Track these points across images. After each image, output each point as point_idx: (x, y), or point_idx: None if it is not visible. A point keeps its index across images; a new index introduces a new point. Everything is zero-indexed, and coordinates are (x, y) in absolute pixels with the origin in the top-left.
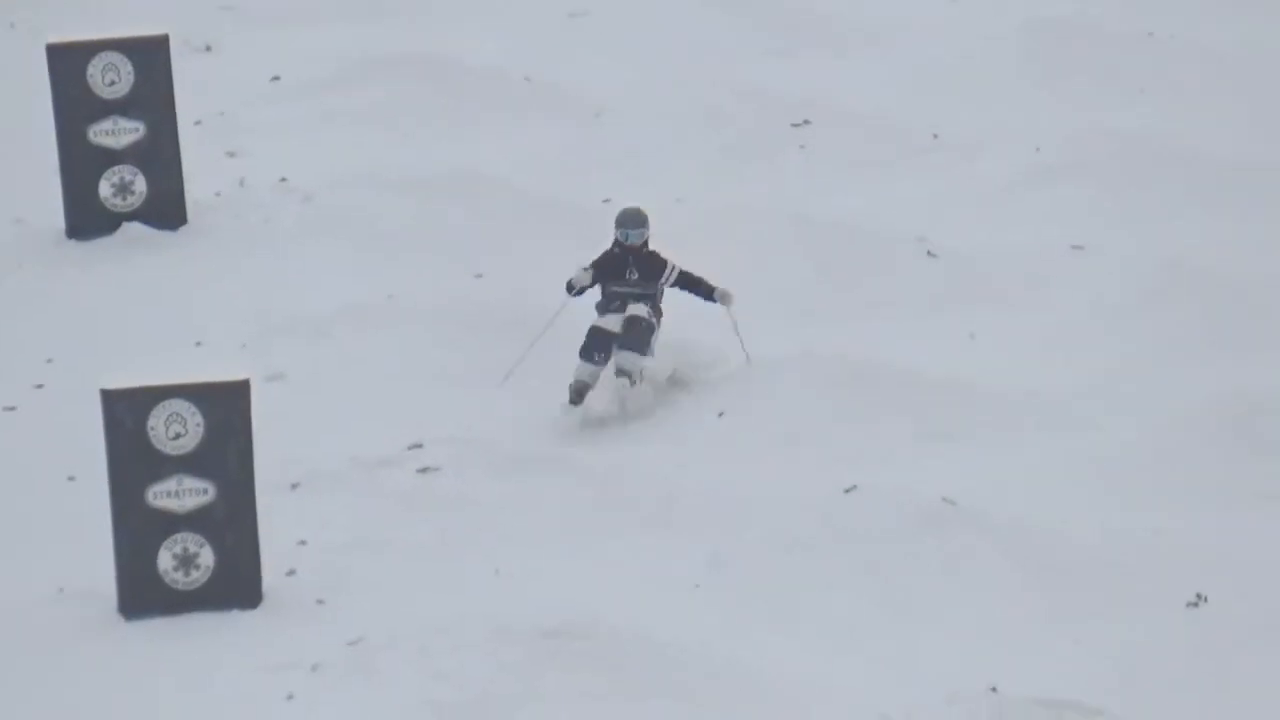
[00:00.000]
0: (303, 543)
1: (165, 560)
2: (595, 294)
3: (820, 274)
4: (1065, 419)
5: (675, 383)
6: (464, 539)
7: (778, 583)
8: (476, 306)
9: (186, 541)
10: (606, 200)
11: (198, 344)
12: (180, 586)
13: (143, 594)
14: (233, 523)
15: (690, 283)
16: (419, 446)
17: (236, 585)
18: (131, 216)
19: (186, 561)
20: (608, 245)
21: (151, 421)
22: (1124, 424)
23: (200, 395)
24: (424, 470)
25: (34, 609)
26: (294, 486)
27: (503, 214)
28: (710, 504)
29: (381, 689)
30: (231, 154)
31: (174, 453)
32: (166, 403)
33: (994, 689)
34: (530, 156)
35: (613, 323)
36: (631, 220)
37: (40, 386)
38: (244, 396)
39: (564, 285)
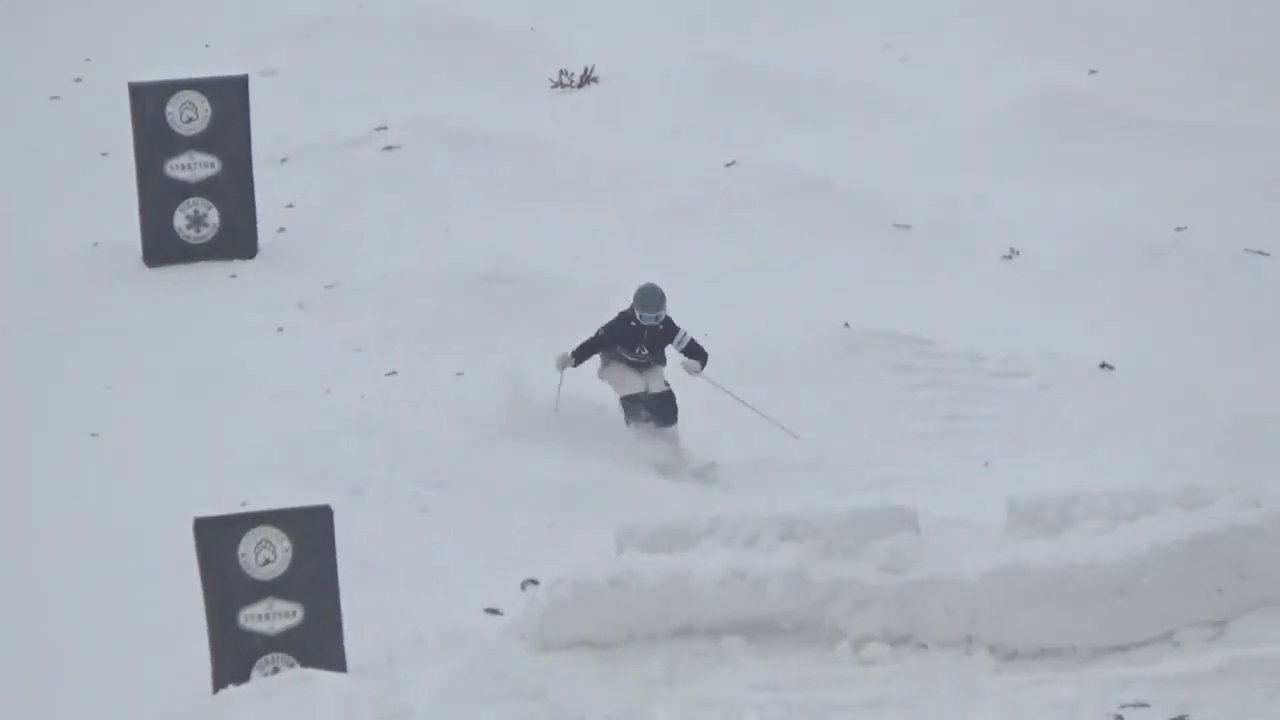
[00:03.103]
0: (290, 206)
1: (180, 220)
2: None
3: None
4: (907, 107)
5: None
6: (420, 203)
7: (672, 238)
8: (432, 14)
9: (197, 204)
10: None
11: (206, 46)
12: (192, 241)
13: (162, 247)
14: (234, 189)
15: (692, 351)
16: (384, 128)
17: (237, 240)
18: None
19: (197, 221)
20: (622, 313)
21: (169, 108)
22: (954, 112)
23: (208, 87)
24: (389, 148)
25: (75, 258)
26: (283, 161)
27: None
28: (617, 176)
29: (351, 321)
30: None
31: (187, 133)
32: (181, 93)
33: (846, 324)
34: None
35: (635, 382)
36: (651, 303)
37: (79, 80)
38: (243, 88)
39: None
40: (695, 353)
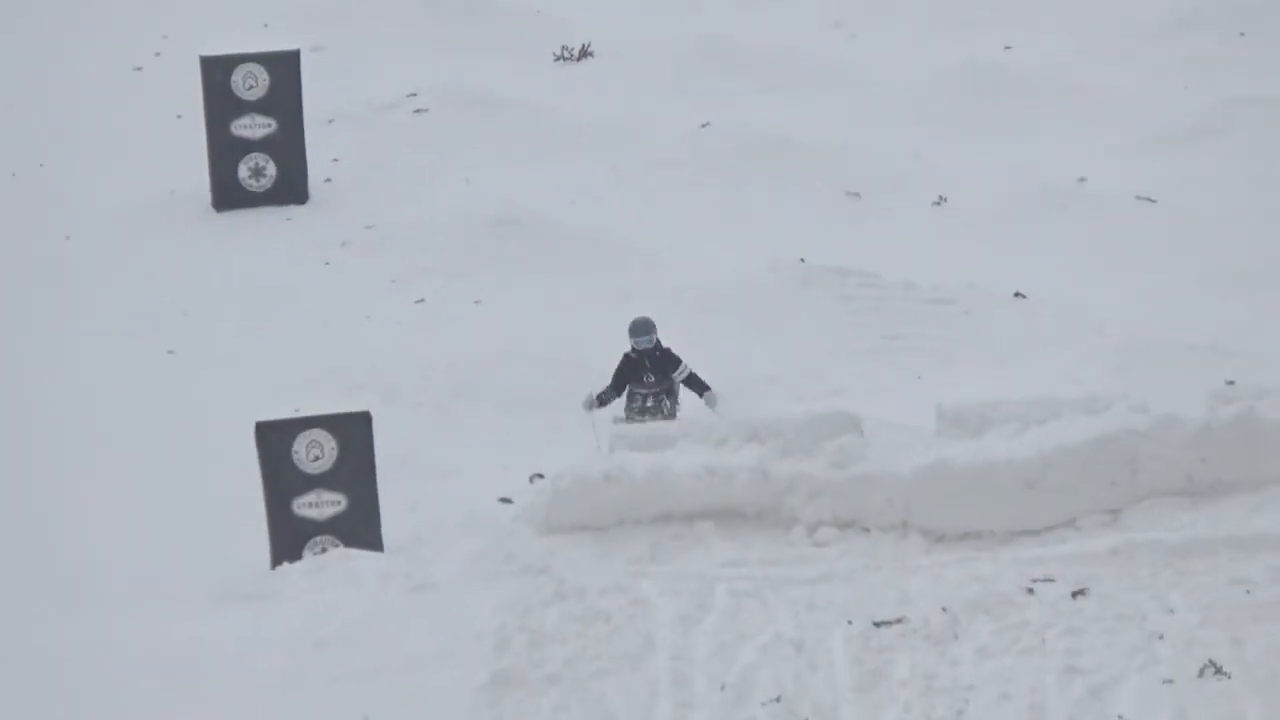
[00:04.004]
0: (336, 160)
1: (243, 171)
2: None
3: None
4: (854, 77)
5: None
6: (445, 158)
7: (657, 189)
8: None
9: (257, 159)
10: None
11: (265, 25)
12: (253, 189)
13: (227, 194)
14: (289, 146)
15: (694, 382)
16: (414, 95)
17: (291, 188)
18: None
19: (257, 172)
20: (624, 354)
21: (234, 77)
22: (893, 81)
23: (266, 60)
24: (418, 111)
25: (155, 203)
26: (330, 122)
27: None
28: (608, 136)
29: (387, 256)
30: None
31: (249, 99)
32: (244, 65)
33: (802, 260)
34: None
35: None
36: (640, 329)
37: (158, 54)
38: (296, 61)
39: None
40: (696, 383)
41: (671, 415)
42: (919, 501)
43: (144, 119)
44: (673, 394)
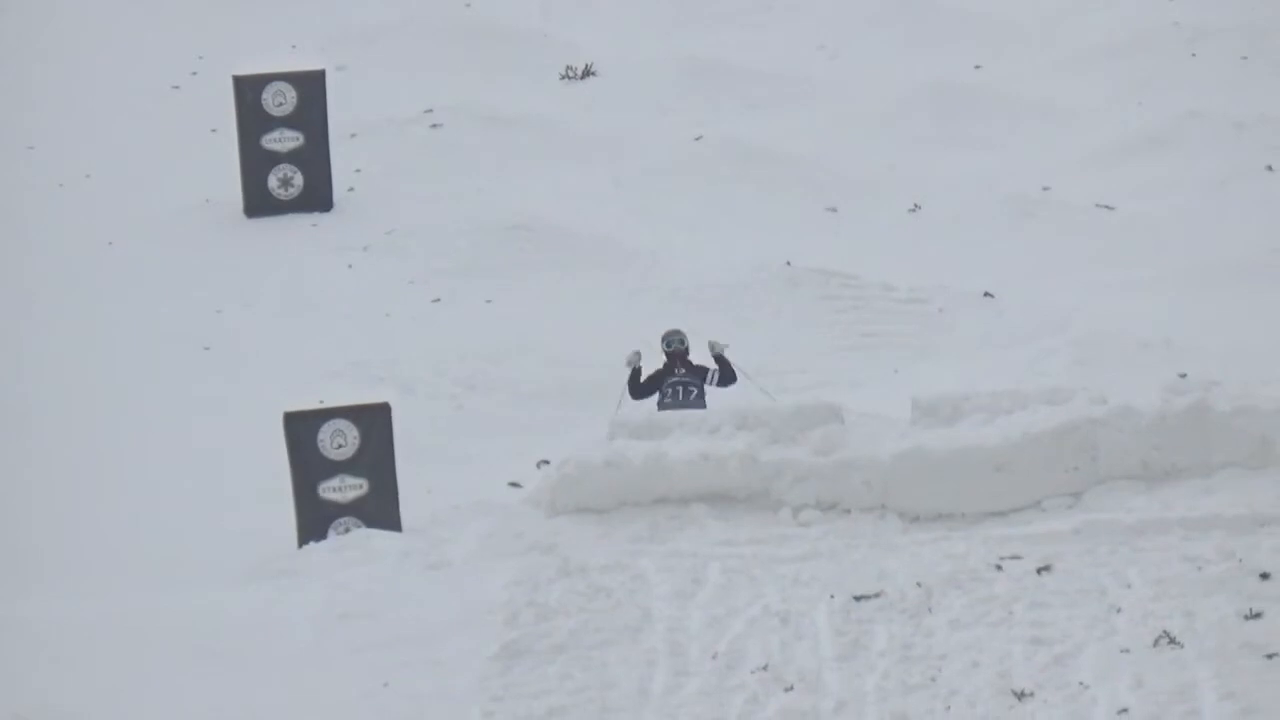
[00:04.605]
0: (358, 170)
1: (272, 181)
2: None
3: None
4: (836, 94)
5: None
6: (458, 169)
7: (655, 195)
8: (467, 20)
9: (286, 170)
10: None
11: (293, 47)
12: (282, 198)
13: (258, 202)
14: (315, 158)
15: (722, 377)
16: (430, 111)
17: (317, 197)
18: None
19: (285, 182)
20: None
21: (264, 95)
22: (871, 97)
23: (294, 79)
24: (434, 126)
25: (191, 210)
26: (352, 136)
27: None
28: (610, 148)
29: (405, 259)
30: None
31: (278, 115)
32: (273, 83)
33: (788, 262)
34: None
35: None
36: (672, 334)
37: (195, 73)
38: (322, 80)
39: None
40: (722, 377)
41: (700, 402)
42: (896, 485)
43: (181, 133)
44: (701, 384)
